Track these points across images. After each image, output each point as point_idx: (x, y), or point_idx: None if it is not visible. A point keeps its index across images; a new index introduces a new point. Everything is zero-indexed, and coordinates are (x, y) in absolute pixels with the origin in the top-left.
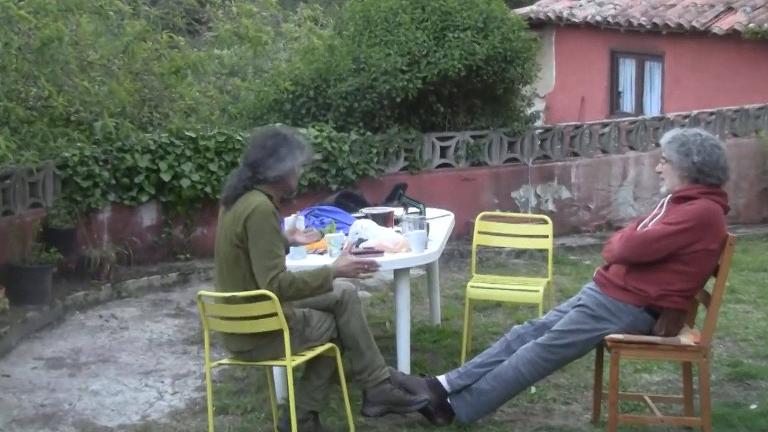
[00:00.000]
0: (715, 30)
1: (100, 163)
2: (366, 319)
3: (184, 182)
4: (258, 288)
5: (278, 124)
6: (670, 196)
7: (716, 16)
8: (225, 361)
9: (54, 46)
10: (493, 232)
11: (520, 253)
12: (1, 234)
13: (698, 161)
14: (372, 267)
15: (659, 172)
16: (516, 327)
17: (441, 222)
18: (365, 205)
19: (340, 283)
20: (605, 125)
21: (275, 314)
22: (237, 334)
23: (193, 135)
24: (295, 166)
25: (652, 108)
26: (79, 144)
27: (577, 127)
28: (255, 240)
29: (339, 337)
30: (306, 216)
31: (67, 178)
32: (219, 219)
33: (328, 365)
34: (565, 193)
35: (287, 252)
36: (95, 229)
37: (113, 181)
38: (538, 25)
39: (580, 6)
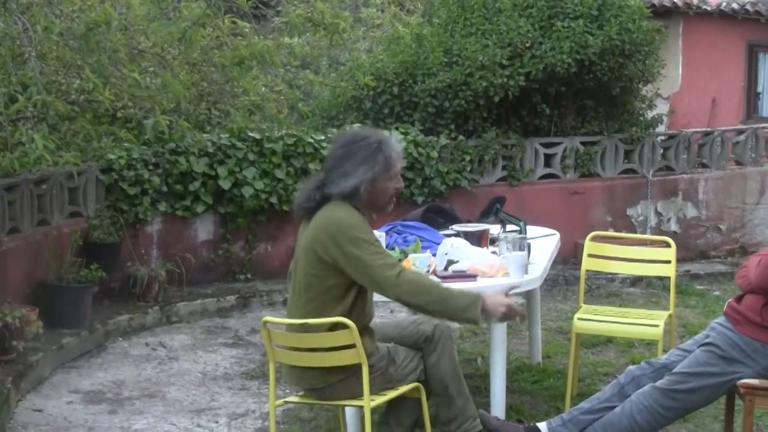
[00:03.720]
0: None
1: (150, 167)
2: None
3: (246, 191)
4: (338, 314)
5: (356, 125)
6: None
7: None
8: (292, 399)
9: (100, 31)
10: (606, 255)
11: (636, 280)
12: (35, 247)
13: None
14: (518, 312)
15: None
16: (631, 368)
17: (544, 242)
18: (456, 221)
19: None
20: (740, 132)
21: (353, 346)
22: (307, 368)
23: (258, 136)
24: (364, 182)
25: None
26: (126, 144)
27: (706, 134)
28: (355, 251)
29: (426, 380)
30: (387, 233)
31: (112, 184)
32: (299, 234)
33: (411, 411)
34: (692, 212)
35: None
36: (143, 243)
37: (164, 188)
38: (663, 13)
39: None
